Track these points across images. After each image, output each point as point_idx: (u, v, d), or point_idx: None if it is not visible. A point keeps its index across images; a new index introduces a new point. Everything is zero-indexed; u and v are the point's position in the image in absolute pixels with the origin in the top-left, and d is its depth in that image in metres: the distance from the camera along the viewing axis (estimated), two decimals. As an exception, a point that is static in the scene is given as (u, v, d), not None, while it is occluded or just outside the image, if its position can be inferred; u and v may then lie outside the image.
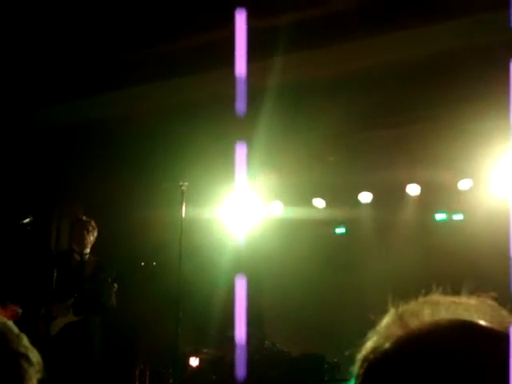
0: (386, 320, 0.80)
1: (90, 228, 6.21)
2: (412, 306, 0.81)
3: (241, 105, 4.77)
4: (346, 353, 0.81)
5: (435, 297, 0.82)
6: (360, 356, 0.79)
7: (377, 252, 8.59)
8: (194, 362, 7.27)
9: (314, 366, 6.77)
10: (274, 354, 7.08)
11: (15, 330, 1.16)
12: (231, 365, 6.64)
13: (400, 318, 0.79)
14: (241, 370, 4.69)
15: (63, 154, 7.72)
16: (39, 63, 6.25)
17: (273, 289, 9.07)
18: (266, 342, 7.27)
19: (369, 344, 0.79)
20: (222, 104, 5.83)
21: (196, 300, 8.71)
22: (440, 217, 8.69)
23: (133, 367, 7.16)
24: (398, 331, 0.77)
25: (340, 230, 9.34)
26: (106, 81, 6.48)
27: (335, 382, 6.41)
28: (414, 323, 0.77)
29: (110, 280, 5.88)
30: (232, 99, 5.06)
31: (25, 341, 1.14)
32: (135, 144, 7.27)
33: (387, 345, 0.76)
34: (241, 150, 5.33)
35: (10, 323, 1.17)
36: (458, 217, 8.54)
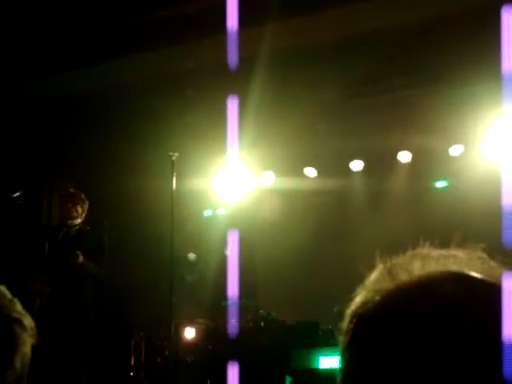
0: (374, 274, 0.79)
1: (78, 200, 6.19)
2: (401, 259, 0.80)
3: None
4: (335, 309, 0.80)
5: (424, 250, 0.80)
6: (349, 311, 0.77)
7: (369, 219, 8.60)
8: (189, 332, 7.30)
9: (308, 333, 6.82)
10: (268, 322, 7.12)
11: (8, 295, 1.15)
12: (226, 334, 6.68)
13: (389, 272, 0.77)
14: (233, 336, 4.73)
15: (54, 127, 7.67)
16: (29, 35, 6.18)
17: (266, 258, 9.09)
18: (261, 311, 7.29)
19: (357, 299, 0.77)
20: (214, 74, 5.80)
21: (190, 271, 8.74)
22: (431, 183, 8.69)
23: (128, 338, 7.19)
24: (387, 285, 0.75)
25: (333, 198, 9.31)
26: (96, 52, 6.42)
27: (329, 347, 6.46)
28: (403, 276, 0.76)
29: (77, 252, 5.84)
30: (224, 69, 5.02)
31: (18, 306, 1.14)
32: (126, 115, 7.23)
33: (377, 298, 0.74)
34: (232, 120, 5.30)
35: (3, 288, 1.16)
36: (449, 183, 8.55)
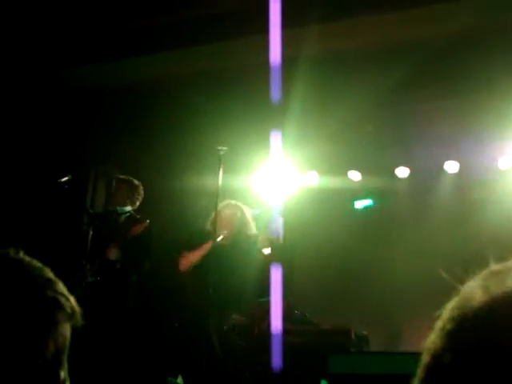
0: (471, 281, 0.80)
1: (127, 186, 6.09)
2: (497, 269, 0.80)
3: (276, 73, 4.75)
4: (437, 314, 0.79)
5: None
6: (447, 314, 0.78)
7: (411, 228, 8.51)
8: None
9: (341, 337, 6.76)
10: (303, 323, 7.10)
11: (47, 274, 1.12)
12: (261, 331, 6.68)
13: (490, 279, 0.78)
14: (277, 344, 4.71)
15: (103, 116, 7.76)
16: (75, 22, 6.25)
17: (305, 259, 9.07)
18: (296, 311, 7.28)
19: (453, 303, 0.78)
20: (260, 71, 5.81)
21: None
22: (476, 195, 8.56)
23: (162, 330, 7.22)
24: (483, 295, 0.76)
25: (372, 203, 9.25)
26: (144, 44, 6.47)
27: (362, 354, 6.41)
28: (498, 288, 0.76)
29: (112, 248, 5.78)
30: (269, 66, 5.03)
31: (56, 285, 1.11)
32: (172, 108, 7.27)
33: (474, 306, 0.75)
34: (277, 118, 5.31)
35: (44, 269, 1.13)
36: (495, 196, 8.41)
